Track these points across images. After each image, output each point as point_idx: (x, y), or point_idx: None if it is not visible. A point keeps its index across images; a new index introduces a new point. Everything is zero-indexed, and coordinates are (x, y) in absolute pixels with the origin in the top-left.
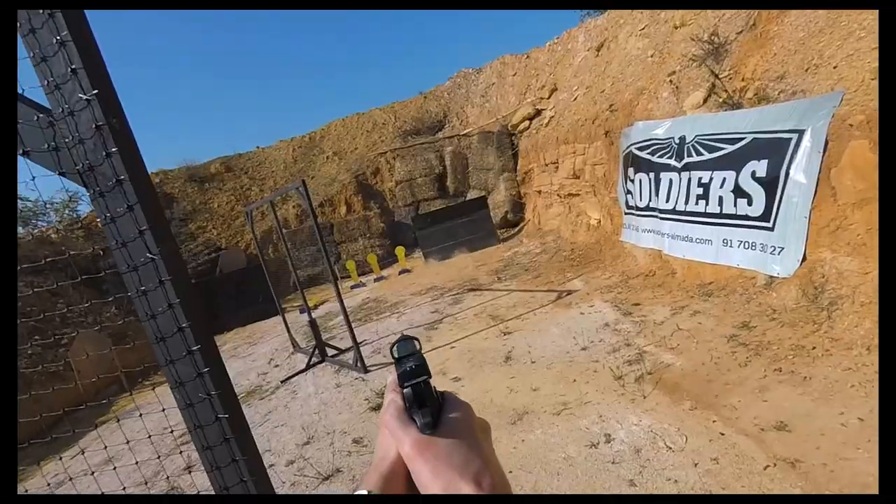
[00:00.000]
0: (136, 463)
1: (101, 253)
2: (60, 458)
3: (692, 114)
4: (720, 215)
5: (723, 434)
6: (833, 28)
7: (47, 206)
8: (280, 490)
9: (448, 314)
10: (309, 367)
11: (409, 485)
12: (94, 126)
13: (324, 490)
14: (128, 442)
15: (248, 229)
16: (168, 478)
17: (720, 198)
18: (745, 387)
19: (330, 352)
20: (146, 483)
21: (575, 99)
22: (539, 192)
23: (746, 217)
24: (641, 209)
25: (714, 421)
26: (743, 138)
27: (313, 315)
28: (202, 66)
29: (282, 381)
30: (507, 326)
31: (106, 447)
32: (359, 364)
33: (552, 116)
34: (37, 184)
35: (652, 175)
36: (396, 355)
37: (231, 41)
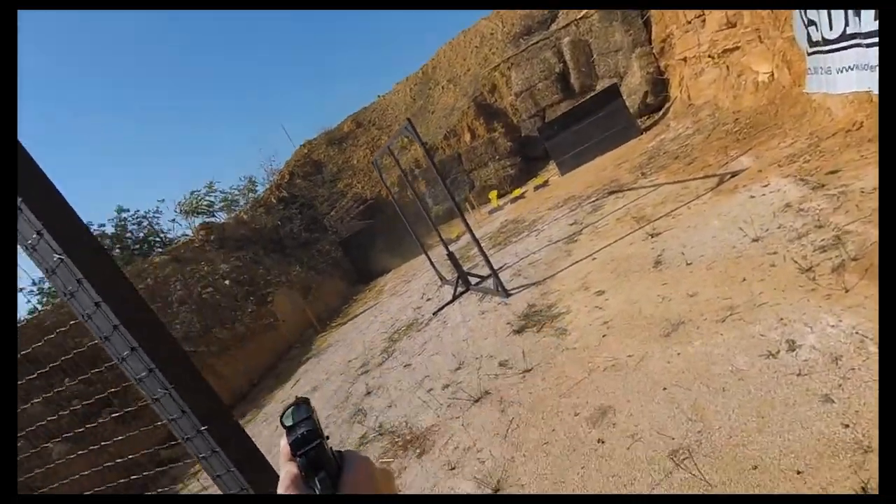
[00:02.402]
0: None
1: (280, 223)
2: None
3: None
4: None
5: None
6: None
7: (237, 192)
8: (440, 409)
9: (587, 223)
10: (455, 297)
11: None
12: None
13: (475, 410)
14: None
15: (384, 178)
16: (354, 402)
17: None
18: None
19: (473, 280)
20: (341, 405)
21: None
22: (684, 59)
23: None
24: (834, 41)
25: None
26: None
27: (456, 245)
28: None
29: (433, 313)
30: (654, 227)
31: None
32: (499, 289)
33: None
34: (222, 175)
35: None
36: (287, 423)
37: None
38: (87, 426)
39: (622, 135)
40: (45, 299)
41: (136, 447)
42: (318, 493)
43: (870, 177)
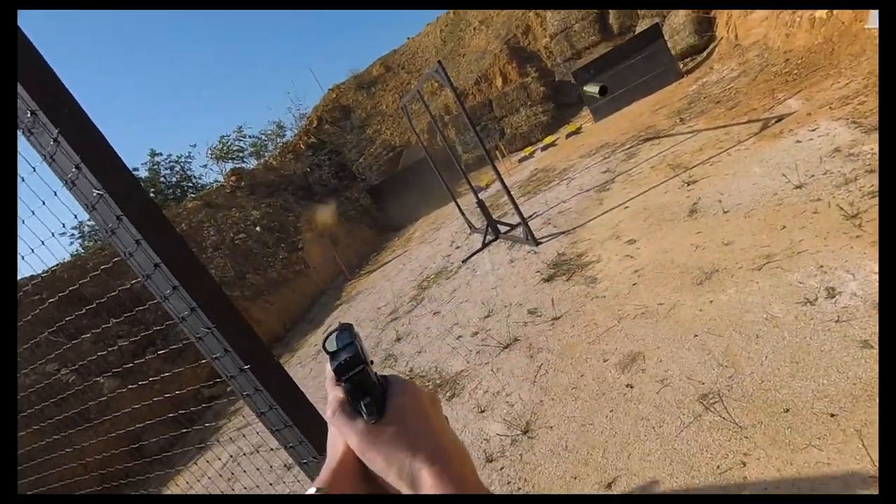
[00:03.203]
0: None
1: (309, 170)
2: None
3: None
4: None
5: None
6: None
7: (265, 138)
8: (470, 356)
9: (620, 171)
10: (484, 245)
11: (363, 476)
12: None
13: (504, 357)
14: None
15: (413, 124)
16: (384, 348)
17: None
18: None
19: (502, 229)
20: (372, 351)
21: None
22: None
23: None
24: None
25: None
26: None
27: (486, 194)
28: None
29: (462, 261)
30: (691, 175)
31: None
32: (529, 238)
33: None
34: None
35: None
36: (330, 349)
37: None
38: (136, 362)
39: (662, 78)
40: (86, 242)
41: (182, 385)
42: (364, 417)
43: None
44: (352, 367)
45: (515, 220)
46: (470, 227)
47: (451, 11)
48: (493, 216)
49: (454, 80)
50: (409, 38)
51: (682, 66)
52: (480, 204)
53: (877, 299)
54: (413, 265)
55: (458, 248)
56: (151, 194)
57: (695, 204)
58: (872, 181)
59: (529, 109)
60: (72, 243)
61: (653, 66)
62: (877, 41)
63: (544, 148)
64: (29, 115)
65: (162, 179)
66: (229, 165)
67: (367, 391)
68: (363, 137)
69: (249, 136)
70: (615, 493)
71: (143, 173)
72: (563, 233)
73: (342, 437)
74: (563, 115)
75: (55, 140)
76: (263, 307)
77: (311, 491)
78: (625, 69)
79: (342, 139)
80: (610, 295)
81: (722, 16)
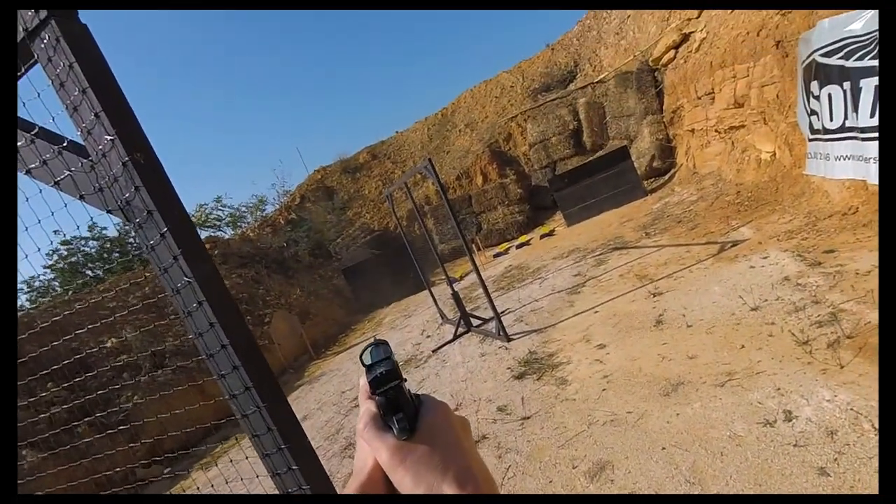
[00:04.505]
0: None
1: (286, 245)
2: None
3: None
4: None
5: None
6: None
7: (245, 210)
8: None
9: (591, 276)
10: (456, 337)
11: (390, 492)
12: (120, 163)
13: None
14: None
15: (395, 210)
16: (346, 436)
17: None
18: None
19: (474, 322)
20: (332, 437)
21: (732, 11)
22: (692, 130)
23: None
24: (833, 131)
25: None
26: None
27: (459, 286)
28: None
29: (433, 351)
30: (656, 287)
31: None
32: (501, 333)
33: (703, 39)
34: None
35: (847, 85)
36: (367, 362)
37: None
38: (68, 430)
39: (628, 194)
40: (35, 296)
41: (112, 464)
42: (395, 432)
43: (865, 259)
44: (388, 381)
45: (488, 314)
46: (442, 318)
47: (440, 113)
48: (466, 308)
49: (438, 173)
50: (397, 132)
51: (647, 184)
52: (455, 296)
53: (829, 427)
54: None
55: (428, 337)
56: (117, 254)
57: (661, 315)
58: (819, 311)
59: (507, 208)
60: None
61: (621, 182)
62: (813, 185)
63: (519, 246)
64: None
65: (131, 240)
66: (206, 233)
67: (401, 407)
68: (343, 218)
69: (228, 207)
70: None
71: (112, 232)
72: (535, 331)
73: (371, 451)
74: (537, 217)
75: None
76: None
77: None
78: (596, 182)
79: (322, 218)
80: (580, 398)
81: (682, 146)
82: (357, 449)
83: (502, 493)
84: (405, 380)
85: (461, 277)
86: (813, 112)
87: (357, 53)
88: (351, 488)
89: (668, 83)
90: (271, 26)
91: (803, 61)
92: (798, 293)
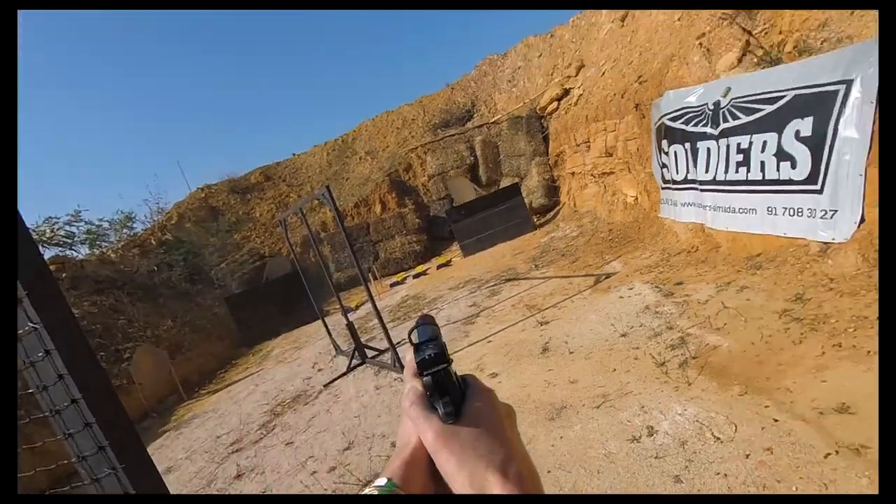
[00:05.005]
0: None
1: (156, 269)
2: None
3: (726, 76)
4: (763, 181)
5: (777, 420)
6: None
7: (107, 227)
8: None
9: (485, 307)
10: (350, 370)
11: (431, 472)
12: None
13: None
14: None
15: (289, 236)
16: (219, 487)
17: (762, 163)
18: (801, 366)
19: (369, 353)
20: (202, 491)
21: (602, 74)
22: (573, 173)
23: (791, 181)
24: (679, 182)
25: (766, 406)
26: (783, 96)
27: (355, 316)
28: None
29: (324, 386)
30: (543, 316)
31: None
32: (396, 365)
33: (580, 94)
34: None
35: (688, 145)
36: (415, 340)
37: (253, 54)
38: None
39: (520, 228)
40: None
41: None
42: (441, 413)
43: (704, 290)
44: (437, 362)
45: (384, 344)
46: (336, 349)
47: (341, 139)
48: (362, 339)
49: (335, 199)
50: (294, 154)
51: (536, 219)
52: (350, 326)
53: (681, 438)
54: (267, 386)
55: (320, 370)
56: None
57: (547, 343)
58: (671, 336)
59: (405, 238)
60: None
61: (513, 217)
62: (666, 226)
63: (416, 276)
64: None
65: None
66: (52, 252)
67: (447, 390)
68: (229, 242)
69: (86, 223)
70: None
71: None
72: None
73: (416, 430)
74: (435, 248)
75: None
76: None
77: (382, 482)
78: (491, 215)
79: (204, 241)
80: None
81: (564, 185)
82: (401, 425)
83: None
84: (452, 361)
85: (357, 307)
86: (664, 165)
87: (257, 76)
88: (394, 464)
89: (552, 130)
90: (154, 38)
91: (655, 123)
92: (656, 320)
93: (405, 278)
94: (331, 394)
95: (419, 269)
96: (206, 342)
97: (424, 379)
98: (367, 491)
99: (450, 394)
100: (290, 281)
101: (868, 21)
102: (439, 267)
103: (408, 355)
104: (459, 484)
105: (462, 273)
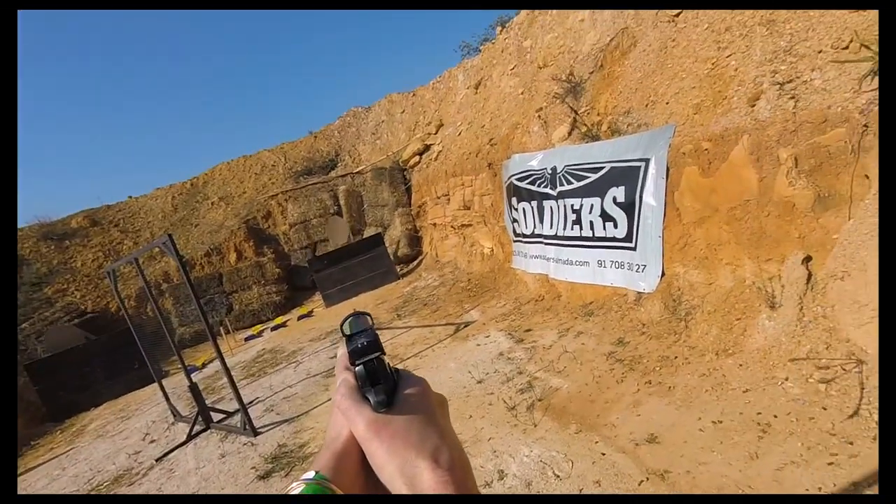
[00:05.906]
0: None
1: None
2: None
3: (560, 146)
4: (593, 238)
5: (604, 454)
6: (662, 69)
7: None
8: None
9: None
10: (191, 437)
11: (363, 464)
12: None
13: None
14: None
15: (118, 290)
16: None
17: (591, 222)
18: (622, 403)
19: (216, 416)
20: None
21: (459, 134)
22: (434, 224)
23: (614, 239)
24: (528, 236)
25: (596, 442)
26: (603, 167)
27: (201, 375)
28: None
29: (157, 460)
30: (405, 366)
31: None
32: (247, 427)
33: (440, 151)
34: None
35: (534, 203)
36: (347, 332)
37: (98, 81)
38: None
39: (384, 277)
40: None
41: None
42: (373, 402)
43: (549, 336)
44: (368, 352)
45: (234, 406)
46: (175, 415)
47: (189, 182)
48: (208, 402)
49: (183, 248)
50: (131, 197)
51: (399, 269)
52: (193, 387)
53: (527, 479)
54: (79, 468)
55: (153, 442)
56: None
57: None
58: (521, 380)
59: (263, 288)
60: None
61: (377, 266)
62: (518, 276)
63: (275, 328)
64: None
65: None
66: None
67: (379, 380)
68: (37, 297)
69: None
70: None
71: None
72: (286, 421)
73: (347, 422)
74: (296, 298)
75: None
76: None
77: (310, 475)
78: (354, 265)
79: None
80: None
81: (427, 236)
82: (331, 419)
83: None
84: (385, 353)
85: (203, 365)
86: (515, 220)
87: (87, 118)
88: (324, 457)
89: (415, 182)
90: None
91: (505, 182)
92: (509, 366)
93: (262, 331)
94: (165, 468)
95: (278, 320)
96: None
97: (357, 369)
98: (293, 485)
99: (382, 383)
100: (120, 340)
101: (658, 113)
102: (300, 318)
103: (340, 349)
104: (388, 474)
105: (324, 324)
